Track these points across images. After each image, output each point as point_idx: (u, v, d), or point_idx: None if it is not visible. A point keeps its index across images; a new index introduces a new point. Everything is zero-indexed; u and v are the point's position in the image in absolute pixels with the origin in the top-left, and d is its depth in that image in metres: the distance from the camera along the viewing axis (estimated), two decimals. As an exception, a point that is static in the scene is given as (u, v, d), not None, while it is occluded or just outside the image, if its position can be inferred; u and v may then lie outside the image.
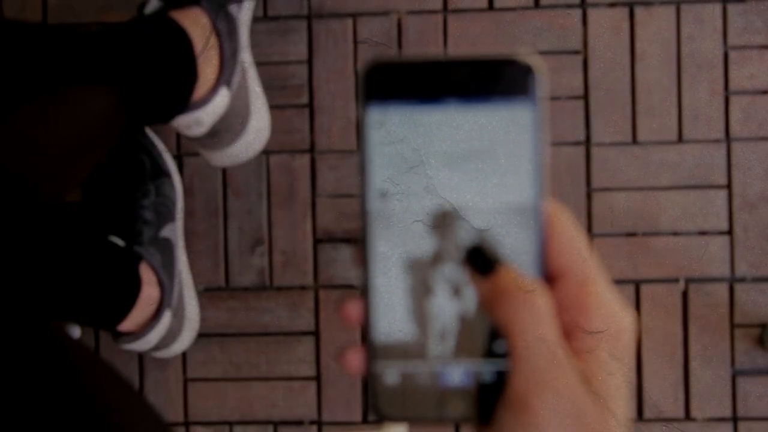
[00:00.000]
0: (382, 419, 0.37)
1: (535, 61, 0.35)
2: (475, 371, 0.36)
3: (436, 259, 0.36)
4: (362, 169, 0.36)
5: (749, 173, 1.10)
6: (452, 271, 0.36)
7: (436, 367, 0.36)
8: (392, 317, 0.36)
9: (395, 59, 0.36)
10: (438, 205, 0.36)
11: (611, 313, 0.35)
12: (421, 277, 0.36)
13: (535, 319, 0.34)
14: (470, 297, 0.36)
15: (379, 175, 0.36)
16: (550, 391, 0.33)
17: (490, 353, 0.36)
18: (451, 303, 0.36)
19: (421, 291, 0.36)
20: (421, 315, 0.36)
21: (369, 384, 0.37)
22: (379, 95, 0.35)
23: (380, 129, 0.35)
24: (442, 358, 0.36)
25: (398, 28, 1.12)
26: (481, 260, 0.36)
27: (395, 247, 0.36)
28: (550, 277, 0.36)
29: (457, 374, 0.36)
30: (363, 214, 0.36)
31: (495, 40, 1.11)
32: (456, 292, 0.36)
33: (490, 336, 0.36)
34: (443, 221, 0.36)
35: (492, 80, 0.35)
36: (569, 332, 0.35)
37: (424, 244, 0.36)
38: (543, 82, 0.35)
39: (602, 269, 0.36)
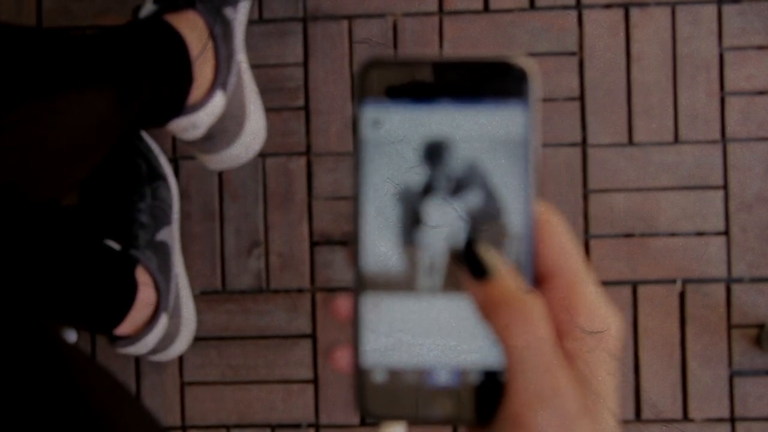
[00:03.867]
0: (368, 417, 0.37)
1: (529, 64, 0.35)
2: (463, 371, 0.36)
3: (427, 190, 0.36)
4: (356, 168, 0.36)
5: (747, 174, 1.10)
6: (443, 202, 0.36)
7: (425, 366, 0.36)
8: (381, 248, 0.36)
9: (392, 59, 0.36)
10: (430, 135, 0.36)
11: (601, 314, 0.35)
12: (411, 208, 0.36)
13: (531, 334, 0.34)
14: (460, 229, 0.36)
15: (374, 175, 0.36)
16: (548, 410, 0.33)
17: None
18: (441, 235, 0.36)
19: (410, 222, 0.36)
20: (410, 247, 0.36)
21: (356, 381, 0.37)
22: (375, 94, 0.36)
23: (376, 128, 0.36)
24: (430, 291, 0.36)
25: (394, 29, 1.12)
26: (476, 263, 0.35)
27: (386, 177, 0.36)
28: (539, 278, 0.36)
29: (446, 374, 0.36)
30: (356, 216, 0.36)
31: (491, 42, 1.11)
32: (446, 216, 0.36)
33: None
34: (435, 151, 0.36)
35: (486, 82, 0.35)
36: (563, 333, 0.35)
37: (415, 174, 0.36)
38: (536, 85, 0.35)
39: (591, 271, 0.36)
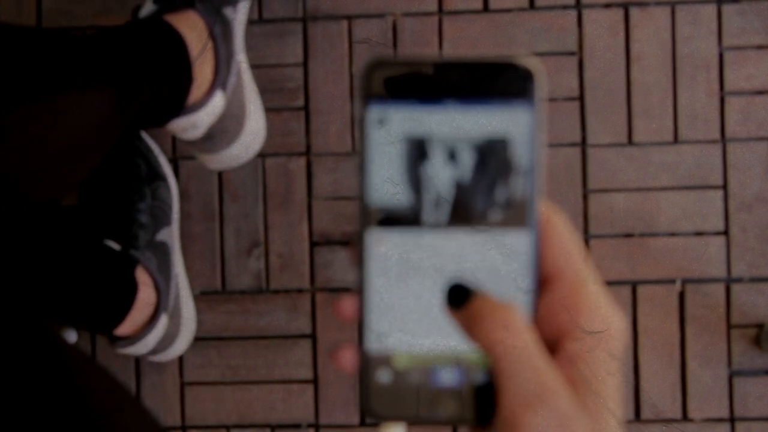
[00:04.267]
0: (373, 418, 0.37)
1: (534, 64, 0.35)
2: (467, 372, 0.36)
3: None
4: (361, 168, 0.36)
5: (747, 173, 1.10)
6: (448, 136, 0.36)
7: (429, 367, 0.36)
8: (387, 183, 0.36)
9: (395, 59, 0.36)
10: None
11: (604, 314, 0.35)
12: (416, 142, 0.36)
13: (515, 338, 0.34)
14: (466, 162, 0.36)
15: (379, 174, 0.36)
16: (537, 412, 0.33)
17: (484, 221, 0.36)
18: (447, 168, 0.36)
19: (416, 156, 0.36)
20: (415, 180, 0.36)
21: (361, 382, 0.37)
22: (379, 94, 0.36)
23: (380, 127, 0.36)
24: (436, 226, 0.36)
25: (393, 29, 1.12)
26: (454, 295, 0.36)
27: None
28: (543, 278, 0.36)
29: (449, 374, 0.36)
30: (360, 216, 0.36)
31: (490, 42, 1.11)
32: (451, 156, 0.36)
33: (485, 203, 0.36)
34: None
35: (491, 82, 0.35)
36: (565, 333, 0.35)
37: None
38: (541, 85, 0.35)
39: (595, 271, 0.37)
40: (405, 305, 0.36)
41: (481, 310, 0.35)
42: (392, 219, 0.36)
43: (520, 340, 0.34)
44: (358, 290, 0.37)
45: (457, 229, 0.36)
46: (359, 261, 0.37)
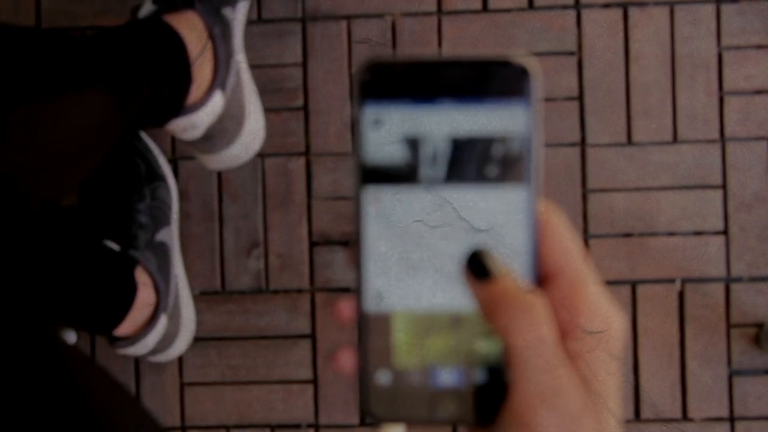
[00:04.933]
0: (373, 420, 0.37)
1: (530, 63, 0.35)
2: (467, 372, 0.36)
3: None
4: (356, 170, 0.36)
5: (746, 173, 1.10)
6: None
7: (429, 368, 0.36)
8: (383, 141, 0.36)
9: (391, 59, 0.36)
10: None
11: (604, 314, 0.35)
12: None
13: (533, 333, 0.34)
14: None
15: (375, 175, 0.36)
16: (550, 409, 0.33)
17: (481, 177, 0.36)
18: (443, 126, 0.36)
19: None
20: (412, 137, 0.36)
21: (360, 384, 0.37)
22: (375, 95, 0.36)
23: (375, 129, 0.36)
24: (433, 182, 0.36)
25: (393, 29, 1.12)
26: (479, 266, 0.36)
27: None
28: (543, 277, 0.36)
29: (450, 374, 0.36)
30: (356, 218, 0.36)
31: (489, 42, 1.11)
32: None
33: (482, 159, 0.36)
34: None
35: (487, 81, 0.35)
36: (565, 333, 0.35)
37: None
38: (538, 84, 0.35)
39: (594, 271, 0.36)
40: (403, 263, 0.36)
41: (504, 296, 0.35)
42: (389, 176, 0.36)
43: (536, 338, 0.34)
44: (356, 249, 0.36)
45: (456, 186, 0.36)
46: (356, 218, 0.36)
